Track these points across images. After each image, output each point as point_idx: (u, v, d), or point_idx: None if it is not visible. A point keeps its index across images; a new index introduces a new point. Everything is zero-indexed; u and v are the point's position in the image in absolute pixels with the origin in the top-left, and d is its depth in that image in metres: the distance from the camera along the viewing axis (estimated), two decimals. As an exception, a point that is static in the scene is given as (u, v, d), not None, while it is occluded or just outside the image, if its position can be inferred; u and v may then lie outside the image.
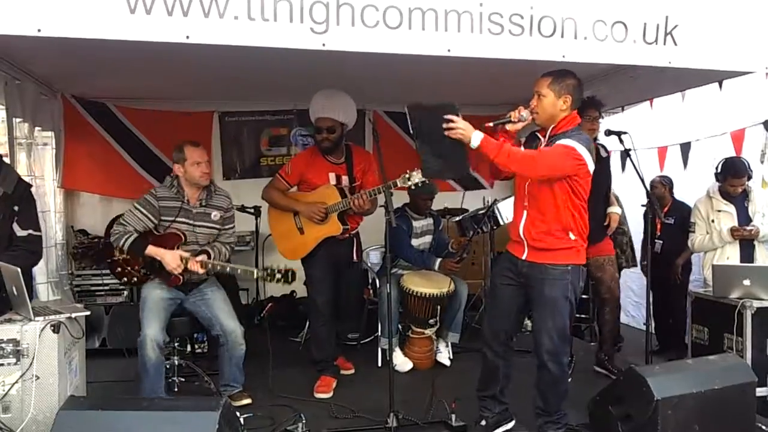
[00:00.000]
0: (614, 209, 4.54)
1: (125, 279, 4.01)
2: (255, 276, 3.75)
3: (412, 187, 3.91)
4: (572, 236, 3.22)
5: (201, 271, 3.72)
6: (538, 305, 3.29)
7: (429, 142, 3.15)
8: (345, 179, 4.29)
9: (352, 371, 4.56)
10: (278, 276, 3.63)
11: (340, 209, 4.12)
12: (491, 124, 3.22)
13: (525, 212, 3.28)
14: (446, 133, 3.05)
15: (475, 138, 3.04)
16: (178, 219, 3.85)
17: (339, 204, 4.11)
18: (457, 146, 3.08)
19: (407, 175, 3.78)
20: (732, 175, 4.58)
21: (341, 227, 4.15)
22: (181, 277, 3.77)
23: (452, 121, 3.04)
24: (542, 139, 3.28)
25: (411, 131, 3.18)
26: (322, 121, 4.19)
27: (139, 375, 3.68)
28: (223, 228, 4.02)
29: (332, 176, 4.27)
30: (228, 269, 3.78)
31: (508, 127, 3.22)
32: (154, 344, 3.62)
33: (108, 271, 4.77)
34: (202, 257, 3.76)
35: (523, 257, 3.29)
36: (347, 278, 4.45)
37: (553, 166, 3.11)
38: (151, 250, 3.73)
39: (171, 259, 3.71)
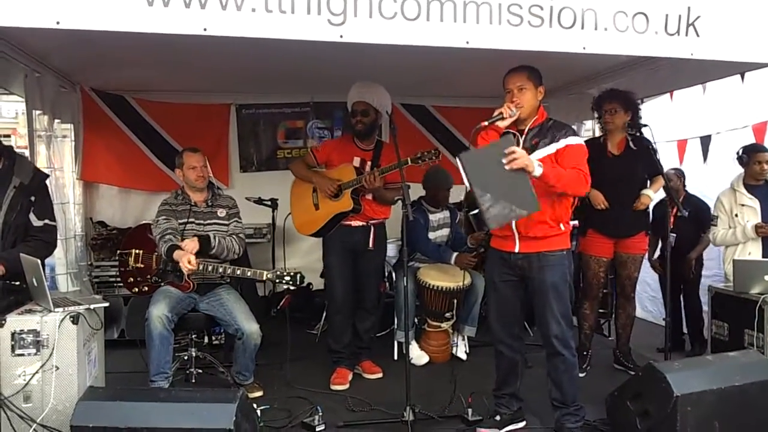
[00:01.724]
0: (646, 191, 4.38)
1: (136, 289, 4.06)
2: (264, 279, 3.82)
3: (420, 163, 3.96)
4: (563, 227, 3.28)
5: (191, 268, 3.73)
6: (541, 293, 3.29)
7: (488, 186, 3.00)
8: (369, 165, 4.32)
9: (380, 375, 4.48)
10: (287, 279, 3.73)
11: (353, 186, 4.17)
12: (486, 123, 3.19)
13: None
14: (508, 165, 2.95)
15: (537, 165, 3.02)
16: (190, 220, 4.00)
17: (353, 180, 4.17)
18: (519, 180, 2.98)
19: (419, 155, 3.92)
20: (756, 151, 4.52)
21: (352, 204, 4.18)
22: (191, 283, 3.90)
23: (513, 152, 2.98)
24: (519, 135, 3.26)
25: (466, 181, 3.05)
26: (356, 105, 4.30)
27: (147, 349, 3.73)
28: (229, 222, 4.13)
29: (357, 160, 4.33)
30: (239, 272, 3.84)
31: (499, 123, 3.20)
32: (159, 318, 3.69)
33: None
34: (194, 244, 3.81)
35: (516, 250, 3.27)
36: (363, 267, 4.43)
37: (588, 173, 3.19)
38: (177, 254, 3.80)
39: (179, 253, 3.78)
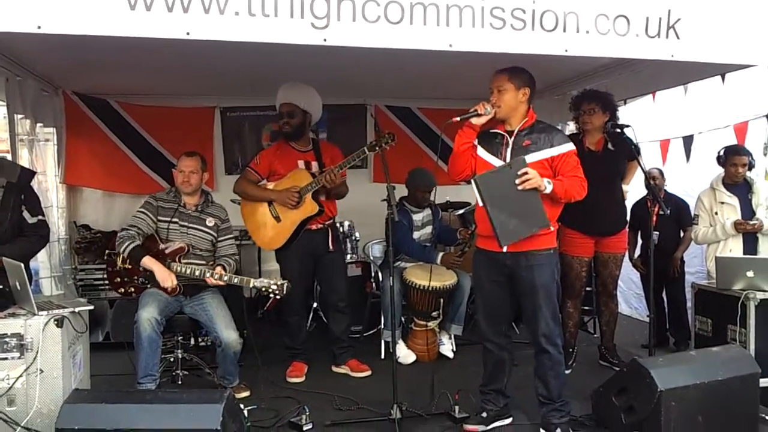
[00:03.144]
0: (624, 186, 4.52)
1: (122, 290, 4.02)
2: (251, 286, 3.82)
3: (379, 151, 4.01)
4: (551, 227, 3.33)
5: (219, 283, 3.83)
6: (530, 292, 3.32)
7: (501, 206, 3.14)
8: (315, 165, 4.37)
9: (369, 373, 4.50)
10: (273, 288, 3.74)
11: (313, 188, 4.19)
12: (458, 118, 3.27)
13: None
14: (521, 186, 3.09)
15: (548, 182, 3.15)
16: (174, 220, 3.97)
17: (311, 184, 4.19)
18: (530, 198, 3.13)
19: (374, 142, 4.02)
20: (734, 153, 4.59)
21: (317, 207, 4.22)
22: (178, 288, 3.87)
23: (526, 173, 3.10)
24: (506, 135, 3.33)
25: (482, 202, 3.17)
26: (282, 106, 4.34)
27: (135, 351, 3.72)
28: (219, 239, 4.10)
29: (301, 163, 4.35)
30: (226, 278, 3.84)
31: (474, 120, 3.27)
32: (148, 321, 3.67)
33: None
34: (219, 271, 3.84)
35: (504, 250, 3.29)
36: (328, 267, 4.48)
37: (584, 178, 3.32)
38: (148, 261, 3.82)
39: (161, 272, 3.80)
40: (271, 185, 4.36)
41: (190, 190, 4.02)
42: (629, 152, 4.16)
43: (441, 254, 4.86)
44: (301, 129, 4.35)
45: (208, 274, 3.82)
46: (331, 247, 4.42)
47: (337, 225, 4.59)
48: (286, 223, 4.28)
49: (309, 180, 4.21)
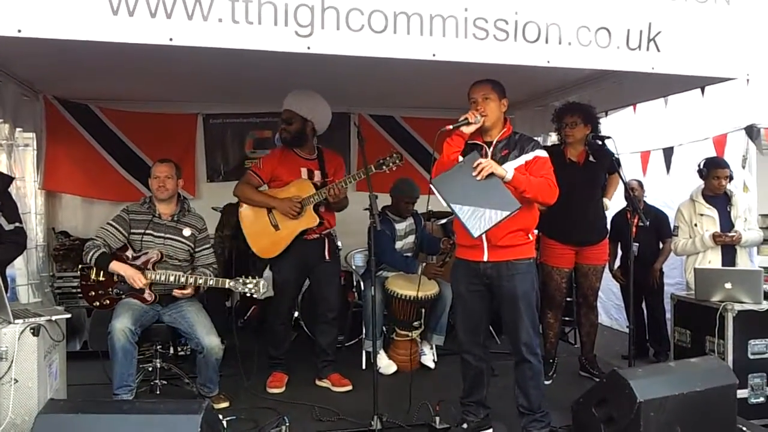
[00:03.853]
0: (606, 200, 4.57)
1: (97, 303, 3.95)
2: (226, 286, 3.82)
3: (386, 171, 4.01)
4: (530, 237, 3.39)
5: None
6: (510, 302, 3.34)
7: (465, 201, 3.15)
8: (318, 174, 4.33)
9: (350, 388, 4.41)
10: (249, 286, 3.75)
11: (316, 201, 4.17)
12: (451, 127, 3.28)
13: None
14: (479, 176, 3.11)
15: (509, 170, 3.17)
16: (148, 231, 3.94)
17: (314, 196, 4.15)
18: (493, 186, 3.14)
19: (381, 161, 3.98)
20: (715, 166, 4.64)
21: (317, 219, 4.19)
22: (153, 295, 3.85)
23: (479, 163, 3.12)
24: (485, 146, 3.35)
25: (445, 203, 3.19)
26: (283, 113, 4.32)
27: (110, 361, 3.68)
28: (197, 249, 4.07)
29: (304, 171, 4.31)
30: (201, 281, 3.83)
31: (464, 129, 3.27)
32: (122, 331, 3.62)
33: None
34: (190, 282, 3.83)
35: (484, 259, 3.31)
36: (321, 277, 4.44)
37: (555, 183, 3.31)
38: (115, 265, 3.80)
39: (129, 271, 3.78)
40: (272, 191, 4.32)
41: (166, 196, 3.98)
42: (610, 164, 4.19)
43: (423, 265, 4.85)
44: (300, 136, 4.30)
45: (182, 280, 3.81)
46: (327, 257, 4.37)
47: (334, 236, 4.53)
48: (284, 232, 4.23)
49: (312, 191, 4.17)
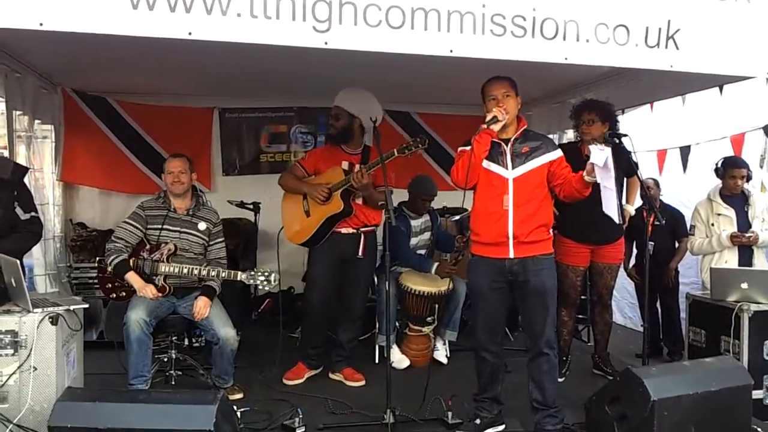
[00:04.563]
0: (627, 205, 4.48)
1: (114, 295, 4.01)
2: (238, 279, 3.88)
3: (408, 156, 3.99)
4: (550, 232, 3.45)
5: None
6: (535, 297, 3.36)
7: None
8: (358, 168, 4.24)
9: (363, 383, 4.41)
10: (261, 279, 3.83)
11: (342, 186, 4.16)
12: (485, 125, 3.30)
13: (510, 213, 3.30)
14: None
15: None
16: (165, 227, 3.96)
17: (342, 182, 4.16)
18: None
19: (405, 146, 3.97)
20: (732, 166, 4.60)
21: (342, 205, 4.16)
22: (167, 287, 3.90)
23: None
24: (503, 144, 3.37)
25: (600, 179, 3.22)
26: (332, 109, 4.33)
27: (126, 352, 3.73)
28: (210, 243, 4.09)
29: (345, 163, 4.31)
30: (213, 274, 3.89)
31: (494, 127, 3.29)
32: (137, 322, 3.68)
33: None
34: (202, 306, 3.86)
35: (510, 256, 3.32)
36: (352, 275, 4.40)
37: None
38: (130, 275, 3.84)
39: (139, 284, 3.82)
40: (308, 179, 4.37)
41: (181, 190, 3.99)
42: (627, 163, 4.16)
43: (436, 264, 4.85)
44: (346, 132, 4.30)
45: (195, 272, 3.86)
46: (360, 253, 4.34)
47: (375, 234, 4.49)
48: (313, 218, 4.26)
49: (341, 178, 4.19)
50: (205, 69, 4.87)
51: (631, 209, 4.52)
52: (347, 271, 4.39)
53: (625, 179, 4.44)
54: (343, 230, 4.27)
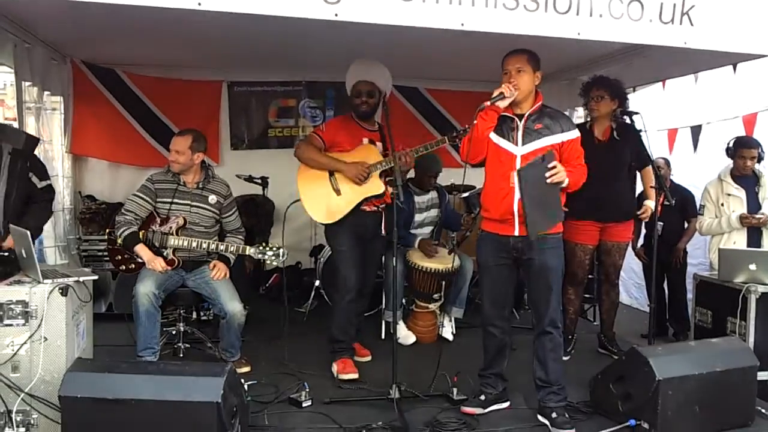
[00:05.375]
0: (648, 201, 4.33)
1: (123, 267, 4.04)
2: (247, 253, 3.92)
3: (457, 141, 3.95)
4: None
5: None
6: (540, 275, 3.36)
7: (534, 198, 3.20)
8: (379, 145, 4.16)
9: (369, 358, 4.37)
10: (270, 254, 3.87)
11: (383, 167, 4.00)
12: (489, 103, 3.25)
13: (517, 190, 3.26)
14: (551, 179, 3.17)
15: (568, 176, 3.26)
16: (175, 200, 3.97)
17: (381, 163, 4.00)
18: (554, 193, 3.25)
19: (454, 133, 4.00)
20: (743, 146, 4.56)
21: (383, 187, 4.02)
22: (176, 260, 3.92)
23: (555, 166, 3.18)
24: (516, 118, 3.34)
25: (520, 194, 3.20)
26: (362, 85, 4.08)
27: (135, 325, 3.77)
28: (224, 215, 4.11)
29: (366, 141, 4.15)
30: (222, 248, 3.93)
31: (500, 103, 3.25)
32: (146, 295, 3.71)
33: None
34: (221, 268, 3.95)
35: (516, 233, 3.32)
36: (369, 252, 4.27)
37: (585, 165, 3.42)
38: (139, 248, 3.87)
39: (148, 256, 3.86)
40: (336, 155, 4.07)
41: (177, 170, 3.98)
42: (637, 147, 4.12)
43: (419, 238, 4.89)
44: (376, 109, 4.16)
45: (204, 246, 3.89)
46: (383, 230, 4.22)
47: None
48: (348, 198, 4.01)
49: (379, 158, 4.01)
50: (214, 41, 4.84)
51: (651, 204, 4.26)
52: (366, 249, 4.23)
53: (638, 173, 4.40)
54: (367, 208, 4.11)
